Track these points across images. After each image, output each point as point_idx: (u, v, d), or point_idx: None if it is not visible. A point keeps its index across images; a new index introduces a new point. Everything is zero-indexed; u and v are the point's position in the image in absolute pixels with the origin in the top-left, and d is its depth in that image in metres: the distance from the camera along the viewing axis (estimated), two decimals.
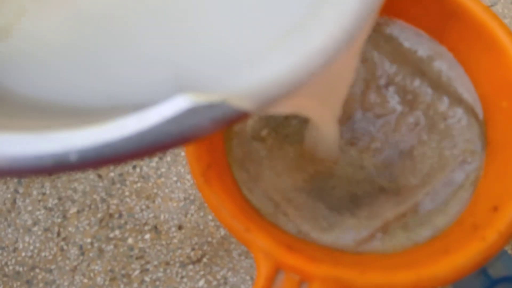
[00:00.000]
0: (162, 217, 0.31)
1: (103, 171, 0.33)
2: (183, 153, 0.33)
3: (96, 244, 0.31)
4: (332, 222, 0.19)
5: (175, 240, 0.31)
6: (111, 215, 0.32)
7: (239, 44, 0.12)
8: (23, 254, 0.31)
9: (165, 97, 0.10)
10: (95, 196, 0.32)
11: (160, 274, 0.30)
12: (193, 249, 0.31)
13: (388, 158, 0.21)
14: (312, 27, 0.11)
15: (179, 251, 0.31)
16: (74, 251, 0.31)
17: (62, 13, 0.14)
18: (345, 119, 0.22)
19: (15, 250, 0.31)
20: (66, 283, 0.30)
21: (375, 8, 0.11)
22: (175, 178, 0.32)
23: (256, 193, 0.20)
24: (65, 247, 0.31)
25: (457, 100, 0.20)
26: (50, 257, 0.31)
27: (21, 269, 0.31)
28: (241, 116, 0.10)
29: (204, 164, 0.18)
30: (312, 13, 0.11)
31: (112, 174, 0.33)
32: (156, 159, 0.33)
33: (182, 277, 0.30)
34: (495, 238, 0.16)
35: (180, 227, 0.31)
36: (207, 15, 0.13)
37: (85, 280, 0.30)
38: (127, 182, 0.32)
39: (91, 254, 0.31)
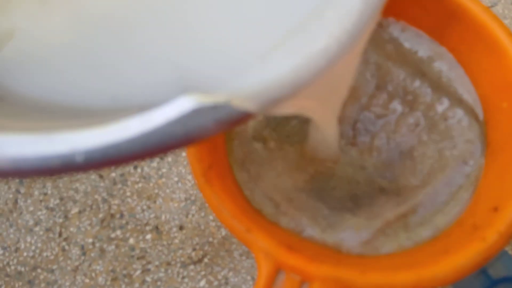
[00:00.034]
0: (163, 217, 0.32)
1: (104, 171, 0.33)
2: (184, 154, 0.33)
3: (97, 244, 0.31)
4: (332, 223, 0.19)
5: (176, 240, 0.31)
6: (112, 215, 0.32)
7: (242, 45, 0.12)
8: (25, 254, 0.31)
9: (169, 98, 0.10)
10: (96, 196, 0.32)
11: (161, 274, 0.30)
12: (194, 249, 0.31)
13: (388, 158, 0.21)
14: (315, 28, 0.11)
15: (180, 251, 0.31)
16: (75, 251, 0.31)
17: (64, 14, 0.14)
18: (346, 119, 0.22)
19: (17, 250, 0.31)
20: (67, 283, 0.31)
21: (377, 9, 0.11)
22: (176, 179, 0.32)
23: (257, 194, 0.20)
24: (66, 247, 0.31)
25: (457, 100, 0.20)
26: (52, 257, 0.31)
27: (23, 269, 0.31)
28: (245, 117, 0.10)
29: (205, 164, 0.18)
30: (315, 14, 0.11)
31: (113, 175, 0.33)
32: (157, 159, 0.33)
33: (183, 277, 0.30)
34: (495, 239, 0.16)
35: (181, 227, 0.31)
36: (209, 15, 0.13)
37: (87, 280, 0.31)
38: (129, 183, 0.32)
39: (92, 254, 0.31)
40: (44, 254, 0.31)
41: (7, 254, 0.31)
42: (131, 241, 0.31)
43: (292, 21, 0.12)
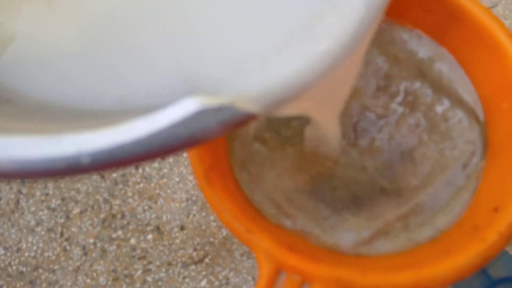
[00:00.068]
0: (164, 217, 0.32)
1: (106, 172, 0.33)
2: (185, 154, 0.33)
3: (99, 245, 0.31)
4: (333, 223, 0.19)
5: (177, 241, 0.31)
6: (113, 216, 0.32)
7: (245, 47, 0.12)
8: (26, 254, 0.31)
9: (173, 100, 0.10)
10: (98, 197, 0.32)
11: (162, 274, 0.30)
12: (195, 250, 0.31)
13: (389, 159, 0.21)
14: (319, 31, 0.11)
15: (181, 251, 0.31)
16: (77, 251, 0.31)
17: (68, 15, 0.14)
18: (347, 119, 0.22)
19: (18, 250, 0.31)
20: (69, 283, 0.31)
21: (379, 11, 0.11)
22: (177, 179, 0.32)
23: (258, 194, 0.20)
24: (68, 247, 0.31)
25: (457, 101, 0.20)
26: (53, 257, 0.31)
27: (24, 269, 0.31)
28: (248, 119, 0.10)
29: (206, 165, 0.18)
30: (318, 17, 0.11)
31: (114, 175, 0.33)
32: (158, 159, 0.33)
33: (184, 277, 0.30)
34: (496, 239, 0.16)
35: (182, 228, 0.31)
36: (214, 18, 0.13)
37: (88, 280, 0.31)
38: (130, 183, 0.32)
39: (94, 255, 0.31)
40: (46, 254, 0.31)
41: (8, 254, 0.31)
42: (132, 241, 0.31)
43: (296, 24, 0.12)
